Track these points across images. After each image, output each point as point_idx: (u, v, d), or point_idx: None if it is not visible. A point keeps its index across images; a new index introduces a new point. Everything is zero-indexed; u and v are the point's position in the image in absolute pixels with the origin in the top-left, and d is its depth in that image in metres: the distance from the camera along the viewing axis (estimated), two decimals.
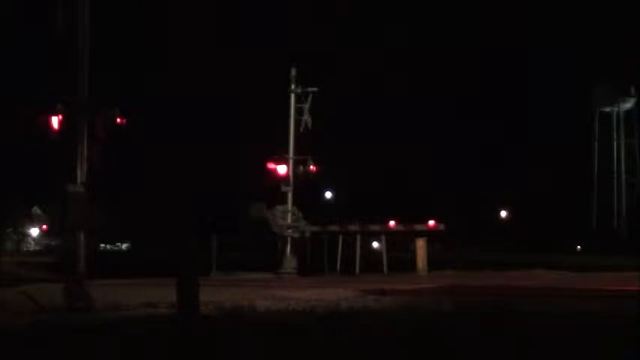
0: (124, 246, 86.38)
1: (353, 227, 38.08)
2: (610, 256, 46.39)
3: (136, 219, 74.72)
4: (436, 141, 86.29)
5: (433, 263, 36.07)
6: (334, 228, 38.11)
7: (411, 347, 9.84)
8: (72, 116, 16.68)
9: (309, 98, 36.17)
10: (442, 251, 46.42)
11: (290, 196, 36.04)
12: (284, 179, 35.84)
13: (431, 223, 37.49)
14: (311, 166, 36.13)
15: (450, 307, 14.80)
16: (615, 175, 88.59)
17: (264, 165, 36.37)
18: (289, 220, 35.75)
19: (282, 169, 35.83)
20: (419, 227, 37.32)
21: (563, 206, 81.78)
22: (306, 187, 37.20)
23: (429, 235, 36.85)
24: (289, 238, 35.61)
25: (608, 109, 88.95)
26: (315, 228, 36.76)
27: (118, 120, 17.00)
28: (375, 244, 41.83)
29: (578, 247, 71.25)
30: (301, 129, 36.16)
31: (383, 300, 17.75)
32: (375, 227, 38.25)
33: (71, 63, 16.73)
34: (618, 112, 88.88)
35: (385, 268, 37.28)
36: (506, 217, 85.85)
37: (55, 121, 16.72)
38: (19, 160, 59.30)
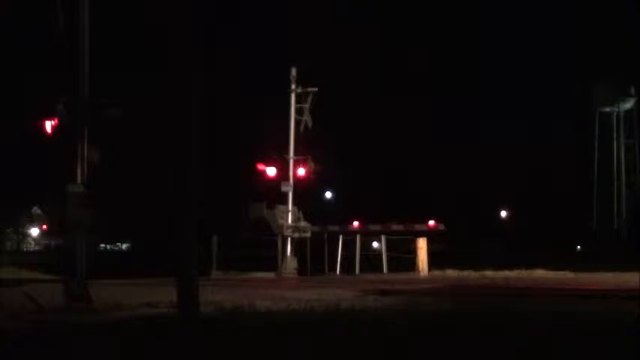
0: (124, 246, 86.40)
1: (353, 227, 38.13)
2: (610, 255, 46.36)
3: (135, 219, 74.79)
4: (436, 141, 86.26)
5: (433, 263, 36.08)
6: (334, 228, 38.12)
7: (410, 347, 9.85)
8: (72, 116, 16.67)
9: (309, 98, 36.14)
10: (442, 251, 46.35)
11: (290, 196, 36.03)
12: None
13: (431, 223, 37.49)
14: (312, 166, 36.12)
15: (449, 307, 14.80)
16: (615, 175, 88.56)
17: (262, 165, 36.36)
18: (289, 220, 35.73)
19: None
20: (419, 227, 37.32)
21: (563, 206, 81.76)
22: (306, 187, 37.20)
23: (429, 235, 36.84)
24: (289, 238, 35.59)
25: (608, 109, 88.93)
26: (315, 228, 36.74)
27: (119, 120, 17.02)
28: (375, 244, 41.82)
29: (579, 247, 71.23)
30: (301, 129, 36.14)
31: (383, 300, 17.75)
32: (375, 227, 38.25)
33: (71, 63, 16.72)
34: (618, 112, 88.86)
35: (385, 268, 37.30)
36: (506, 216, 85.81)
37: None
38: (19, 160, 59.34)
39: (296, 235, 35.80)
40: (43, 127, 16.95)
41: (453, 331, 10.92)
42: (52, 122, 16.81)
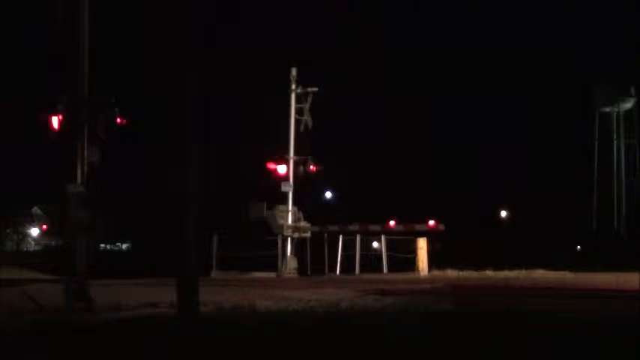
0: (124, 246, 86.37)
1: (353, 227, 38.12)
2: (610, 255, 46.37)
3: (135, 219, 74.77)
4: (436, 141, 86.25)
5: (433, 263, 36.10)
6: (334, 228, 38.12)
7: (410, 347, 9.85)
8: (72, 116, 16.66)
9: (309, 98, 36.14)
10: (442, 251, 46.38)
11: (290, 196, 36.02)
12: (284, 179, 35.85)
13: (431, 223, 37.50)
14: (311, 166, 36.13)
15: (450, 307, 14.81)
16: (615, 175, 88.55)
17: (265, 165, 36.40)
18: (289, 221, 35.71)
19: (282, 169, 35.83)
20: (419, 227, 37.33)
21: (563, 206, 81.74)
22: (306, 187, 37.21)
23: (429, 235, 36.85)
24: (289, 239, 35.58)
25: (608, 109, 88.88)
26: (315, 228, 36.74)
27: (118, 120, 17.00)
28: (375, 244, 41.83)
29: (578, 247, 71.20)
30: (301, 129, 36.13)
31: (383, 300, 17.75)
32: (375, 227, 38.25)
33: (71, 63, 16.72)
34: (618, 112, 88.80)
35: (385, 268, 37.33)
36: (506, 216, 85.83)
37: (55, 121, 16.71)
38: (19, 160, 59.35)
39: (296, 235, 35.79)
40: (43, 127, 16.93)
41: (453, 331, 10.92)
42: (52, 122, 16.79)
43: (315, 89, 36.28)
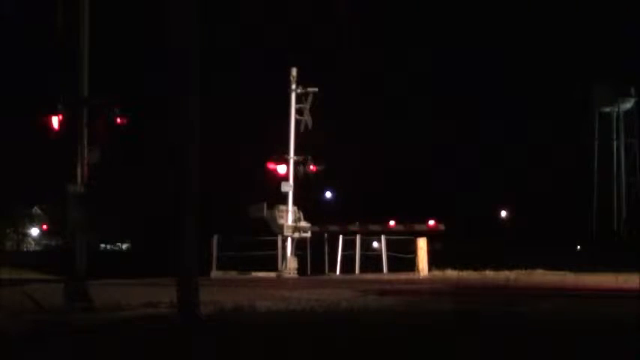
0: (124, 246, 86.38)
1: (353, 227, 38.13)
2: (610, 256, 46.38)
3: (136, 219, 74.79)
4: (436, 141, 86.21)
5: (433, 263, 36.10)
6: (334, 228, 38.12)
7: (410, 347, 9.85)
8: (72, 116, 16.66)
9: (309, 98, 36.09)
10: (442, 251, 46.39)
11: (290, 196, 35.99)
12: (284, 179, 35.80)
13: (431, 223, 37.50)
14: (311, 166, 36.09)
15: (449, 307, 14.81)
16: (615, 175, 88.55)
17: (264, 165, 36.36)
18: (289, 221, 35.69)
19: (282, 169, 35.79)
20: (419, 227, 37.33)
21: (563, 206, 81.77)
22: (306, 187, 37.18)
23: (429, 235, 36.85)
24: (289, 239, 35.56)
25: (608, 109, 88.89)
26: (315, 228, 36.72)
27: (118, 120, 17.00)
28: (375, 244, 41.84)
29: (578, 247, 71.25)
30: (301, 129, 36.10)
31: (383, 300, 17.75)
32: (375, 227, 38.26)
33: (71, 63, 16.72)
34: (618, 112, 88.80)
35: (385, 268, 37.35)
36: (506, 216, 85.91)
37: (55, 121, 16.71)
38: (19, 160, 59.38)
39: (296, 235, 35.77)
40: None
41: (452, 332, 10.92)
42: (52, 122, 16.79)
43: (315, 89, 36.24)
